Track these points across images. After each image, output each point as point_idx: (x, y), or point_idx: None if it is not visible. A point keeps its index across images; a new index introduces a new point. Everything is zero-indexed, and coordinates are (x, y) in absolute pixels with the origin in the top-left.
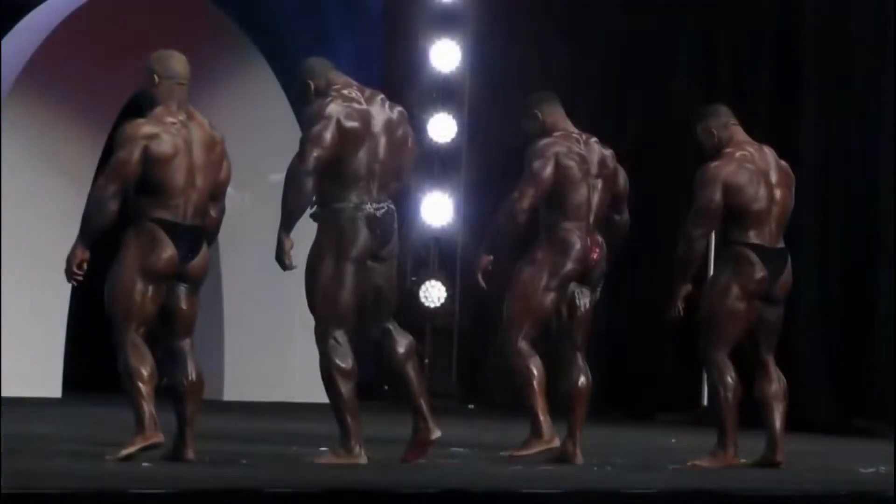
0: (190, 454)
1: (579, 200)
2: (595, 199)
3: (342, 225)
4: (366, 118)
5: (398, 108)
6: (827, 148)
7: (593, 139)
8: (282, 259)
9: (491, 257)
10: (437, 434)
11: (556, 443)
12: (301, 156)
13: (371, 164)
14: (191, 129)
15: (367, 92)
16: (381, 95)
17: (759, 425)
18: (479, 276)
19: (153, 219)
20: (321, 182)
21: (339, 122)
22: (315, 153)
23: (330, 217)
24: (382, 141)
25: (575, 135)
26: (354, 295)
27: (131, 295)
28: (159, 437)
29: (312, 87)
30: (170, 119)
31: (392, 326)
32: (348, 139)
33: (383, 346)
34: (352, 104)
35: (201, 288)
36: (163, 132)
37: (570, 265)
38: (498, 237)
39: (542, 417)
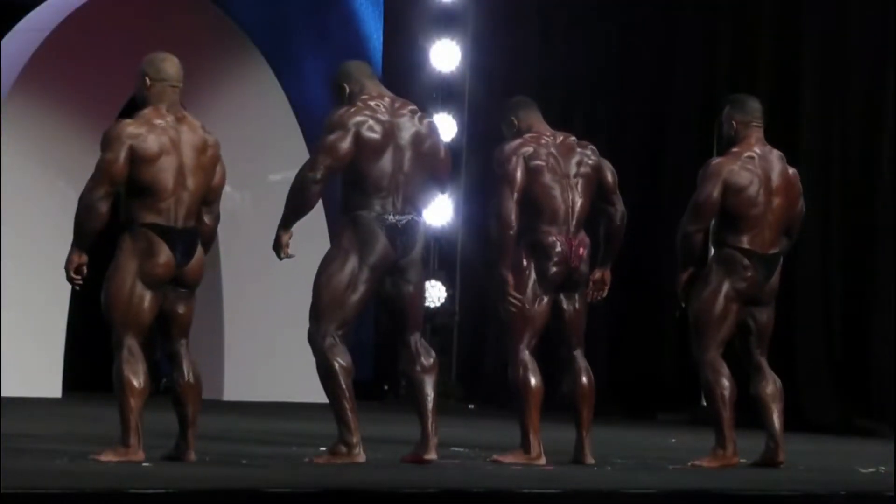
0: (192, 455)
1: (555, 203)
2: (576, 200)
3: (362, 231)
4: (389, 130)
5: (427, 120)
6: (827, 148)
7: (571, 138)
8: (277, 252)
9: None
10: (432, 456)
11: (542, 461)
12: (312, 163)
13: (395, 175)
14: (180, 131)
15: (398, 103)
16: (412, 107)
17: (759, 425)
18: (513, 299)
19: (145, 224)
20: (345, 189)
21: (357, 132)
22: (326, 162)
23: (351, 223)
24: (409, 154)
25: (546, 136)
26: (362, 301)
27: (129, 300)
28: (140, 456)
29: (347, 90)
30: (157, 120)
31: (416, 340)
32: (367, 150)
33: (404, 359)
34: (375, 115)
35: (200, 289)
36: (148, 132)
37: (553, 269)
38: (506, 252)
39: (531, 435)
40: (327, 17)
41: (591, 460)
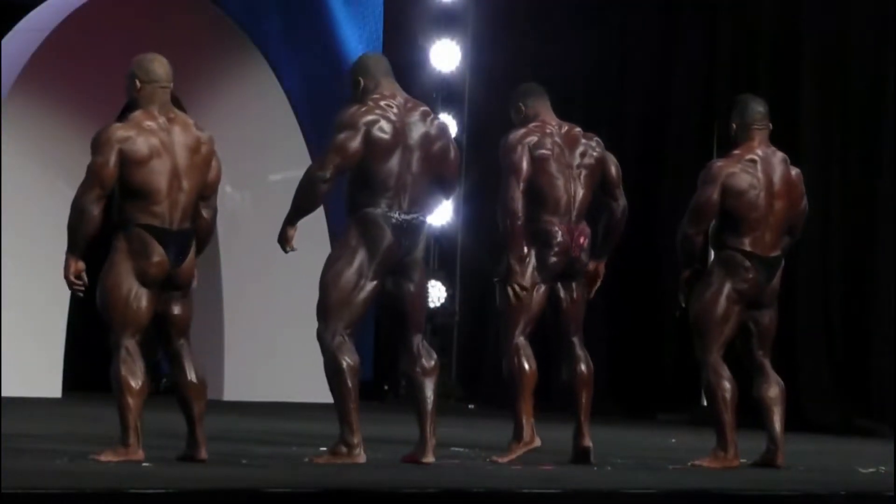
0: (203, 453)
1: (558, 193)
2: (579, 191)
3: (368, 228)
4: (399, 130)
5: (438, 122)
6: (827, 148)
7: (577, 129)
8: (283, 245)
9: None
10: (429, 458)
11: (537, 443)
12: (321, 162)
13: (402, 176)
14: (172, 132)
15: (410, 104)
16: (424, 108)
17: (759, 425)
18: (518, 288)
19: (140, 225)
20: (352, 187)
21: (367, 132)
22: (335, 161)
23: (358, 221)
24: (417, 154)
25: (551, 126)
26: (369, 299)
27: (127, 300)
28: (140, 456)
29: (362, 84)
30: (148, 122)
31: (418, 341)
32: (376, 150)
33: (405, 360)
34: (386, 115)
35: (200, 289)
36: (137, 134)
37: (553, 258)
38: (515, 242)
39: (523, 419)
40: (327, 17)
41: (589, 443)
